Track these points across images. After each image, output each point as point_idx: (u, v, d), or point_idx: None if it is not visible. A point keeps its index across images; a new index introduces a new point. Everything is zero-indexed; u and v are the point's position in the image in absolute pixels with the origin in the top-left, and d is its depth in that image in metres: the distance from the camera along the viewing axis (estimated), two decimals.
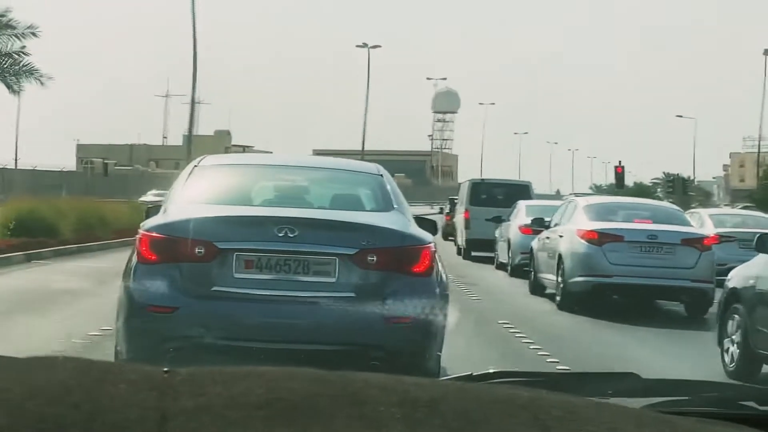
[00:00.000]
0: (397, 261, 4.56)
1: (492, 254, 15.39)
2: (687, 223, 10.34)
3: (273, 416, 0.64)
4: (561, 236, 10.08)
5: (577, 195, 19.24)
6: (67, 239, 14.30)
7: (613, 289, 9.55)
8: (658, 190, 41.13)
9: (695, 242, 9.56)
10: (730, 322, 6.49)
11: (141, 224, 4.74)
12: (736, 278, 6.74)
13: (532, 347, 7.28)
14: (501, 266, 14.66)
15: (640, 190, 38.50)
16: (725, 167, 65.72)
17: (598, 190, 39.98)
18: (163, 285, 4.46)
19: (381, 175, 5.47)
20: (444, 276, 4.68)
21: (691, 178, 39.38)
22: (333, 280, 4.56)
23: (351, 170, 5.98)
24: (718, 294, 9.01)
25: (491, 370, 1.36)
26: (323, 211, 5.16)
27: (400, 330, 4.41)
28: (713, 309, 9.12)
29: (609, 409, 0.77)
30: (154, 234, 4.59)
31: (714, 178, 64.81)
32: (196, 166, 5.35)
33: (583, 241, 9.50)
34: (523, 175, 28.44)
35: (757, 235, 6.80)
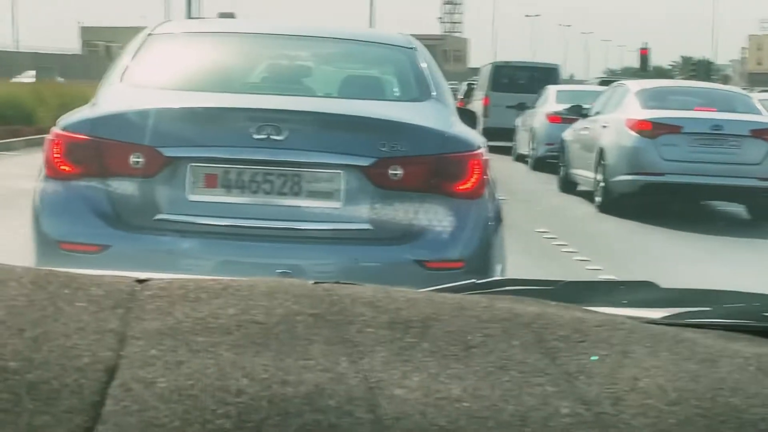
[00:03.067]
0: (435, 176, 3.69)
1: (511, 144, 15.40)
2: (757, 112, 9.74)
3: (242, 344, 0.62)
4: (605, 126, 9.65)
5: (607, 80, 19.40)
6: (44, 128, 14.33)
7: (667, 189, 9.01)
8: (676, 74, 42.69)
9: (764, 133, 8.93)
10: None
11: (57, 120, 3.80)
12: None
13: (573, 254, 6.84)
14: (520, 158, 14.75)
15: (659, 74, 39.55)
16: (743, 50, 66.92)
17: (613, 74, 39.94)
18: (85, 211, 3.63)
19: (413, 48, 4.47)
20: (495, 193, 3.85)
21: (712, 62, 41.17)
22: (338, 205, 3.66)
23: (369, 41, 4.90)
24: None
25: (492, 278, 1.55)
26: (326, 101, 4.27)
27: (442, 281, 3.38)
28: None
29: (622, 326, 0.77)
30: (72, 134, 3.66)
31: (730, 61, 66.27)
32: (150, 34, 4.35)
33: (633, 132, 9.00)
34: (537, 60, 27.84)
35: None
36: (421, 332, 0.68)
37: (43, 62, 32.17)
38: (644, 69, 27.65)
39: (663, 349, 0.71)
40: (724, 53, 65.56)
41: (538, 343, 0.70)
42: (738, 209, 9.65)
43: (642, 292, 1.07)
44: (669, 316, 0.92)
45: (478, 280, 1.11)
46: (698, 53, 44.04)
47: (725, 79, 43.17)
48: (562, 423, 0.58)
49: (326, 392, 0.58)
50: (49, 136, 3.75)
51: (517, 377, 0.64)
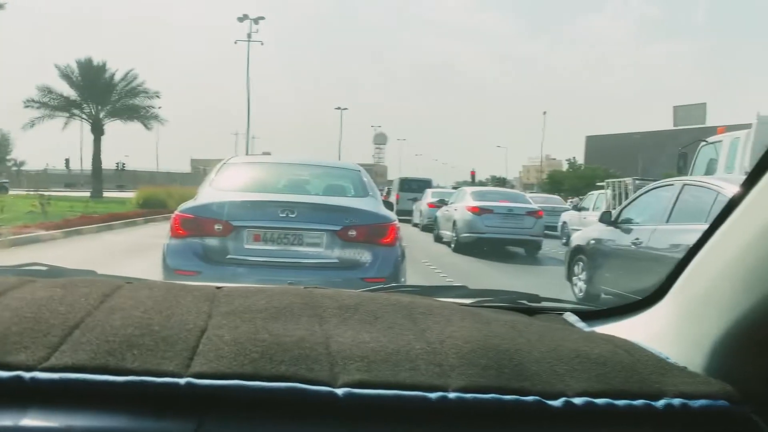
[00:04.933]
0: (371, 235, 4.69)
1: (410, 218, 21.56)
2: (528, 202, 14.47)
3: (267, 317, 0.91)
4: (455, 209, 14.14)
5: (456, 186, 27.72)
6: (172, 210, 19.69)
7: (486, 241, 13.24)
8: (489, 184, 61.06)
9: (533, 213, 13.48)
10: (576, 267, 8.00)
11: (177, 207, 4.89)
12: (579, 238, 8.29)
13: (438, 273, 9.75)
14: (415, 225, 20.98)
15: (480, 183, 55.75)
16: (520, 172, 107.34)
17: (459, 183, 54.77)
18: (189, 254, 4.53)
19: (359, 170, 5.81)
20: (402, 243, 4.92)
21: (506, 178, 64.18)
22: (322, 250, 4.62)
23: (338, 167, 6.40)
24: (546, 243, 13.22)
25: (393, 284, 1.89)
26: (316, 197, 5.33)
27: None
28: (542, 252, 13.42)
29: (449, 306, 1.10)
30: (184, 215, 4.68)
31: (514, 178, 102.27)
32: (224, 163, 5.61)
33: (469, 212, 13.34)
34: (421, 175, 37.94)
35: (602, 211, 8.49)
36: (353, 311, 0.98)
37: (172, 178, 47.10)
38: (473, 181, 43.32)
39: (467, 317, 1.01)
40: (511, 173, 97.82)
41: (409, 315, 0.99)
42: (519, 251, 13.75)
43: (461, 290, 1.48)
44: (472, 302, 1.30)
45: (385, 285, 1.55)
46: (499, 173, 74.87)
47: (512, 187, 59.20)
48: (416, 350, 0.86)
49: (305, 339, 0.85)
50: (173, 215, 4.80)
51: (397, 331, 0.92)
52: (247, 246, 4.56)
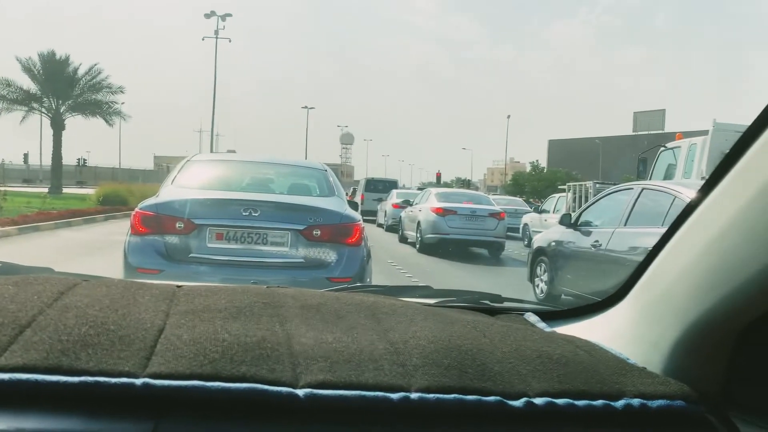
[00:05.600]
0: (336, 234, 4.65)
1: (375, 218, 21.71)
2: (491, 204, 14.58)
3: (228, 316, 0.91)
4: (420, 210, 14.23)
5: (421, 187, 28.10)
6: (132, 207, 19.60)
7: (450, 242, 13.34)
8: (454, 185, 62.45)
9: (496, 215, 13.60)
10: (538, 268, 8.10)
11: (138, 204, 4.85)
12: (540, 240, 8.33)
13: (403, 272, 9.74)
14: (380, 225, 21.21)
15: (445, 185, 57.91)
16: (485, 174, 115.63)
17: (424, 184, 56.12)
18: (151, 252, 4.47)
19: (325, 170, 5.79)
20: (367, 243, 4.92)
21: (471, 179, 66.00)
22: (287, 249, 4.57)
23: (304, 166, 6.40)
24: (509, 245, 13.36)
25: (357, 284, 1.94)
26: (281, 196, 5.23)
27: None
28: (504, 254, 13.67)
29: (413, 306, 1.10)
30: (145, 212, 4.62)
31: (478, 180, 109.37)
32: (188, 160, 5.59)
33: (433, 213, 13.42)
34: (387, 176, 37.88)
35: (563, 213, 8.57)
36: (316, 310, 0.98)
37: (134, 175, 47.20)
38: (438, 182, 44.62)
39: (430, 317, 1.01)
40: (476, 175, 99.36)
41: (372, 315, 0.99)
42: (483, 251, 13.93)
43: (425, 290, 1.50)
44: (436, 302, 1.32)
45: (349, 285, 1.55)
46: (464, 174, 75.29)
47: (476, 188, 61.38)
48: (379, 351, 0.86)
49: (266, 339, 0.85)
50: (133, 212, 4.71)
51: (360, 331, 0.92)
52: (209, 245, 4.51)
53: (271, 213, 4.62)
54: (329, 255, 4.59)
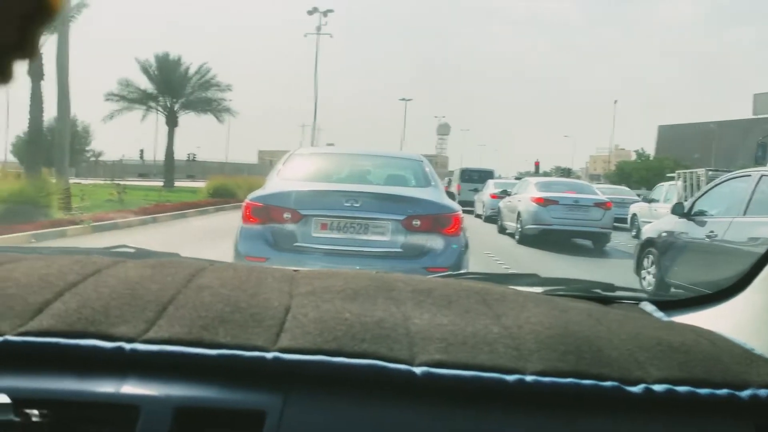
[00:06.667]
0: (436, 224, 4.73)
1: (472, 209, 21.28)
2: (595, 193, 13.95)
3: (345, 298, 0.94)
4: (519, 200, 13.85)
5: (519, 177, 27.58)
6: (241, 199, 20.21)
7: (552, 233, 12.83)
8: (553, 174, 59.79)
9: (602, 205, 13.00)
10: (645, 260, 7.88)
11: (247, 196, 5.08)
12: (650, 231, 8.18)
13: (500, 263, 9.77)
14: (478, 216, 20.79)
15: (545, 174, 54.34)
16: (587, 162, 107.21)
17: (521, 174, 53.80)
18: (260, 241, 4.69)
19: (421, 161, 5.88)
20: (465, 233, 4.97)
21: (571, 168, 63.76)
22: (387, 238, 4.70)
23: (400, 157, 6.54)
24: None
25: (463, 271, 1.92)
26: (380, 187, 5.35)
27: None
28: (609, 245, 13.09)
29: (522, 293, 1.12)
30: (255, 203, 4.83)
31: (580, 168, 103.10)
32: (291, 154, 5.80)
33: (534, 203, 13.04)
34: (482, 166, 37.68)
35: (675, 202, 8.53)
36: (427, 294, 1.00)
37: (239, 168, 49.58)
38: (537, 172, 42.74)
39: (542, 304, 1.01)
40: (577, 164, 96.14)
41: (483, 301, 1.00)
42: (587, 243, 13.25)
43: (532, 278, 1.50)
44: (545, 290, 1.33)
45: (452, 272, 1.63)
46: (564, 164, 72.79)
47: (578, 178, 58.61)
48: (493, 334, 0.87)
49: (384, 320, 0.88)
50: (244, 203, 4.96)
51: (472, 315, 0.93)
52: (314, 234, 4.67)
53: (371, 203, 4.75)
54: (427, 244, 4.67)
